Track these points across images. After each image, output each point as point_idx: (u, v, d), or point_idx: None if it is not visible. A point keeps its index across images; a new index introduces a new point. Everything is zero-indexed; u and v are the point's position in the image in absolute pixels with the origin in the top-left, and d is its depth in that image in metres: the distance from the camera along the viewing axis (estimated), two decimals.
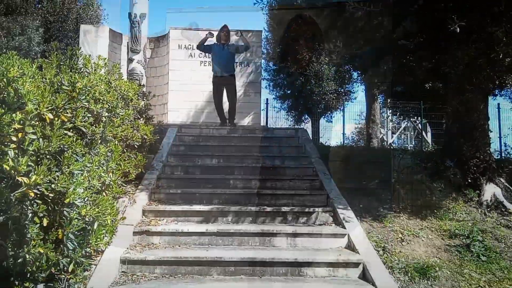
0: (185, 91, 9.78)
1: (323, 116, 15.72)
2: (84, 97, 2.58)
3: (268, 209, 4.85)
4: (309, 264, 3.87)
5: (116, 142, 3.68)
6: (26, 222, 2.04)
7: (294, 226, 4.58)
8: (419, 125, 16.30)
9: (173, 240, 4.28)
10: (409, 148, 16.57)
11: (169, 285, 3.52)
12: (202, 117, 9.64)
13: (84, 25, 9.99)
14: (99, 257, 3.75)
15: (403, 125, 19.61)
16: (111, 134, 3.48)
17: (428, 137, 16.26)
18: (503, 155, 12.77)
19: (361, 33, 5.86)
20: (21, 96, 1.92)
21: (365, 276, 3.80)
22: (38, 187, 2.06)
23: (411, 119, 17.39)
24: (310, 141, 7.77)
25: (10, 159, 1.91)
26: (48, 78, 2.47)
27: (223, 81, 7.75)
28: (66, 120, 2.48)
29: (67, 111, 2.53)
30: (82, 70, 3.99)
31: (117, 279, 3.61)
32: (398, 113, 15.52)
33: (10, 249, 1.97)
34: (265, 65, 15.37)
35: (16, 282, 2.01)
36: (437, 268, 3.88)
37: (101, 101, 3.06)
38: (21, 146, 2.01)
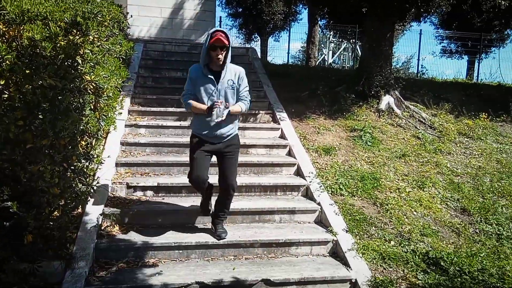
0: (144, 7, 10.48)
1: (271, 36, 17.01)
2: (109, 26, 3.81)
3: None
4: (253, 146, 5.65)
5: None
6: (85, 104, 3.44)
7: (243, 123, 6.28)
8: (357, 46, 18.18)
9: (155, 131, 5.83)
10: (346, 67, 18.61)
11: (158, 158, 5.15)
12: (163, 34, 10.55)
13: None
14: (104, 140, 5.23)
15: (343, 46, 21.44)
16: (112, 50, 4.75)
17: None
18: (419, 75, 15.16)
19: None
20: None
21: (290, 153, 5.68)
22: (94, 82, 3.43)
23: (350, 41, 19.17)
24: (258, 59, 9.24)
25: (79, 66, 3.23)
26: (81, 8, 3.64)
27: (214, 147, 3.70)
28: (96, 39, 3.74)
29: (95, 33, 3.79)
30: None
31: (120, 155, 5.16)
32: (338, 35, 17.17)
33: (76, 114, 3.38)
34: None
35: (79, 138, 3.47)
36: (336, 149, 5.85)
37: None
38: (83, 57, 3.32)
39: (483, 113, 7.56)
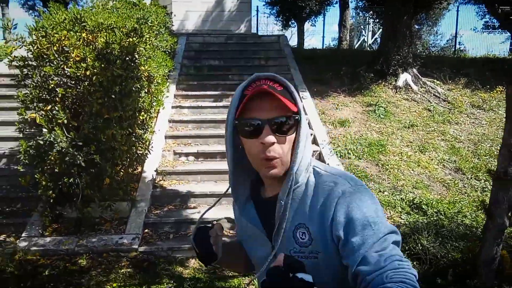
0: (187, 2, 11.66)
1: (308, 21, 17.61)
2: (157, 27, 5.00)
3: None
4: None
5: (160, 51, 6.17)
6: (141, 88, 4.66)
7: None
8: None
9: (196, 111, 7.03)
10: None
11: (198, 131, 6.34)
12: (204, 26, 11.72)
13: None
14: (155, 118, 6.50)
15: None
16: (160, 46, 5.95)
17: None
18: (457, 52, 15.20)
19: None
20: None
21: (308, 126, 6.63)
22: (148, 71, 4.64)
23: None
24: (288, 45, 10.16)
25: (136, 60, 4.43)
26: (136, 16, 4.84)
27: None
28: (147, 39, 4.92)
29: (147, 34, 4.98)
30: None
31: (168, 130, 6.41)
32: (375, 16, 17.43)
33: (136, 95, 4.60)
34: None
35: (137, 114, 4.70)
36: (351, 121, 6.71)
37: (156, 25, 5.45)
38: (139, 53, 4.51)
39: (500, 86, 7.96)
